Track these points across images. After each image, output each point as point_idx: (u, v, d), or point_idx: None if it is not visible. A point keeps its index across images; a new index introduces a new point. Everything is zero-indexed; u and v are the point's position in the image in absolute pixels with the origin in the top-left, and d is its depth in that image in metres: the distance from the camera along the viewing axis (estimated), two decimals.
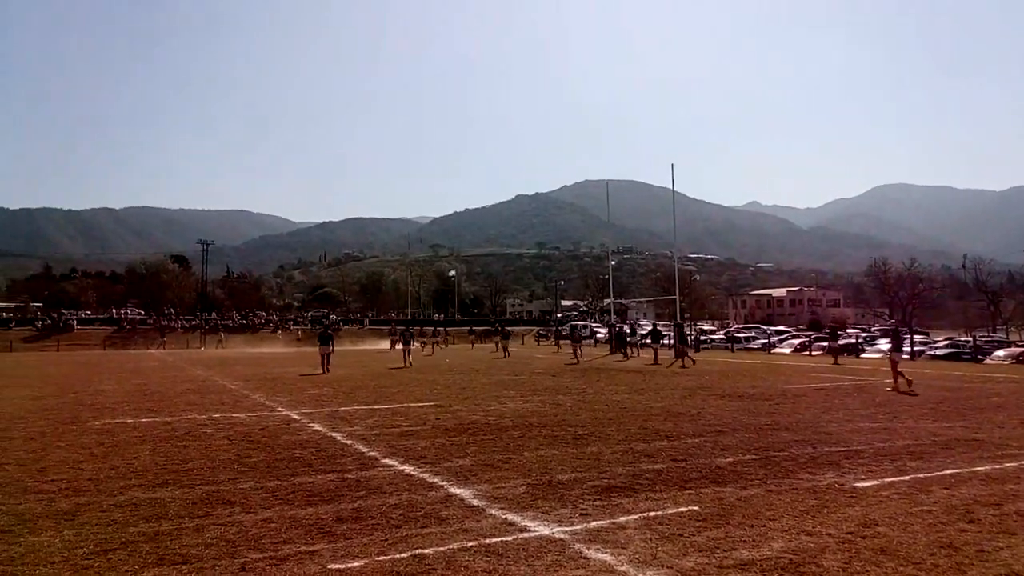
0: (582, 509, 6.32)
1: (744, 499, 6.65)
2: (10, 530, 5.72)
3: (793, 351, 43.99)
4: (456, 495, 6.88)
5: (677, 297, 39.79)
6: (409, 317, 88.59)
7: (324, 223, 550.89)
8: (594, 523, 5.88)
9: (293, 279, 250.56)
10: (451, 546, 5.25)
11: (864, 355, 38.70)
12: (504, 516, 6.10)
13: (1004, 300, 76.85)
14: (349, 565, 4.86)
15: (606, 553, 5.09)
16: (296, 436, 10.53)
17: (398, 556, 5.03)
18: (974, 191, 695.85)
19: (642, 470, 8.01)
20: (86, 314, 78.87)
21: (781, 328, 66.34)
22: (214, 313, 71.56)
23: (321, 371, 24.48)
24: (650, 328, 36.29)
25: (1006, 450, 9.26)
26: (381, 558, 4.99)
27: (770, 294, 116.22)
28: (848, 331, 61.78)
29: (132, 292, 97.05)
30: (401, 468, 8.18)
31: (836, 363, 29.24)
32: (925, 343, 42.71)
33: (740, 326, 69.56)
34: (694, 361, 29.26)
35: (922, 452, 9.08)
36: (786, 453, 9.03)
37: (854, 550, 5.13)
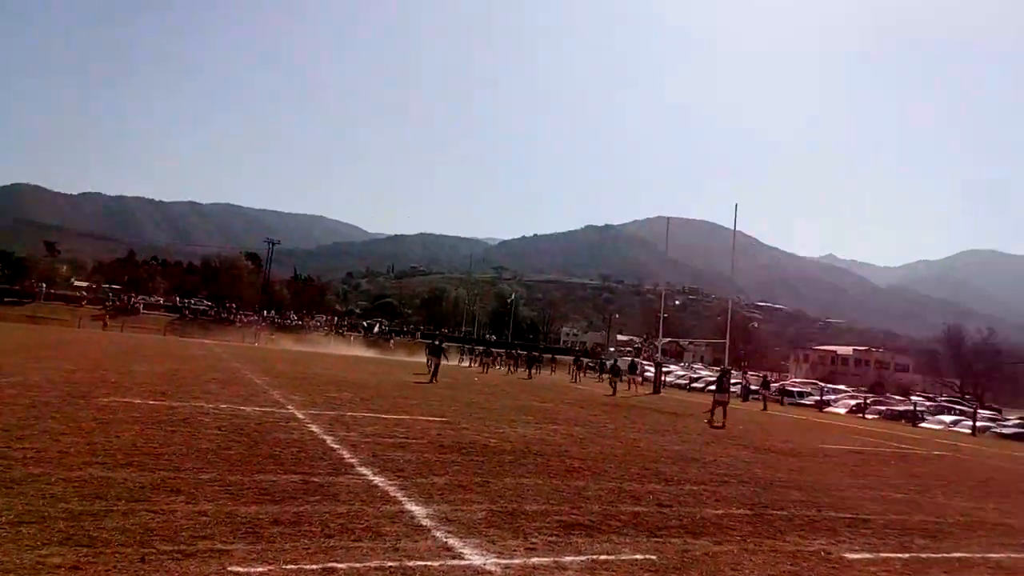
0: (531, 543, 5.90)
1: (712, 555, 6.11)
2: None
3: (848, 412, 42.05)
4: (409, 512, 6.55)
5: (727, 341, 38.54)
6: (462, 335, 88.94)
7: (396, 235, 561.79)
8: (535, 559, 5.46)
9: (360, 287, 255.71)
10: (369, 564, 4.93)
11: (922, 424, 36.65)
12: (445, 540, 5.74)
13: None
14: (251, 570, 4.58)
15: None
16: (288, 435, 10.40)
17: (307, 567, 4.73)
18: None
19: (619, 511, 7.51)
20: (159, 300, 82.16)
21: (840, 387, 63.69)
22: (273, 311, 73.45)
23: (428, 380, 25.92)
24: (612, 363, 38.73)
25: None
26: (289, 567, 4.71)
27: (835, 351, 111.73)
28: (912, 397, 58.83)
29: (205, 284, 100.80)
30: (371, 478, 7.90)
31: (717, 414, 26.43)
32: (993, 420, 40.20)
33: (797, 380, 67.07)
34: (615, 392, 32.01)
35: (938, 530, 8.28)
36: (785, 512, 8.37)
37: None
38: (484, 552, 5.50)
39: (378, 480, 7.84)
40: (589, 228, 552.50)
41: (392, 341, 71.40)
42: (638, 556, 5.81)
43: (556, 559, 5.52)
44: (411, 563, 5.04)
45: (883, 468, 14.15)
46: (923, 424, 36.88)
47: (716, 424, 19.63)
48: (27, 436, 8.24)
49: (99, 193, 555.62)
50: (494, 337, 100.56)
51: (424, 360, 33.56)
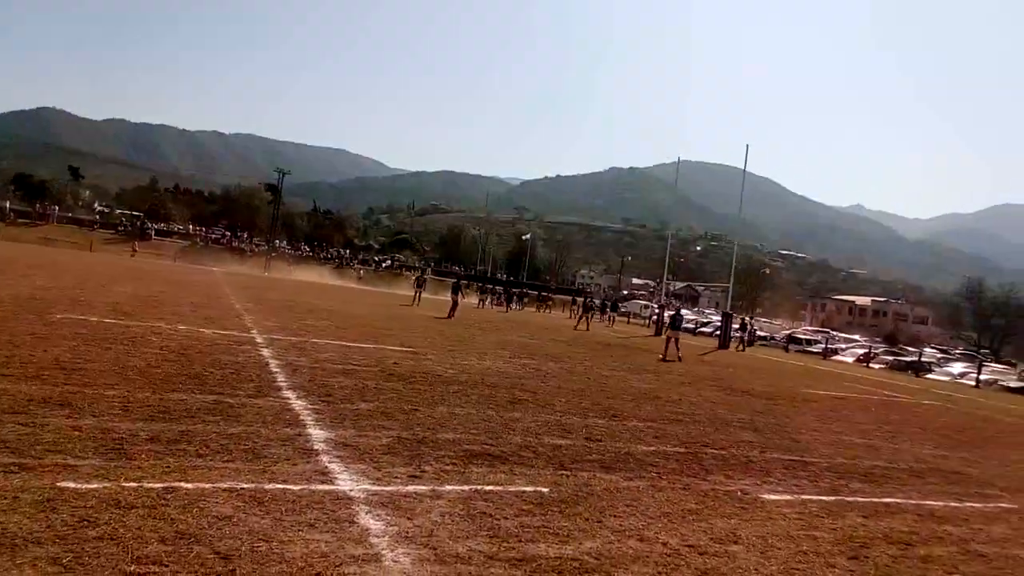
0: (420, 471, 5.61)
1: (612, 490, 5.78)
2: None
3: (855, 360, 41.49)
4: (308, 435, 6.28)
5: (730, 286, 37.91)
6: (474, 273, 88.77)
7: (418, 172, 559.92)
8: (412, 487, 5.17)
9: (380, 223, 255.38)
10: (220, 484, 4.64)
11: (929, 375, 36.04)
12: (326, 465, 5.45)
13: None
14: (84, 486, 4.30)
15: (382, 521, 4.38)
16: (232, 357, 10.16)
17: (148, 485, 4.45)
18: None
19: (540, 443, 7.20)
20: (178, 227, 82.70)
21: (854, 337, 62.94)
22: (284, 242, 73.55)
23: (446, 316, 27.09)
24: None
25: (985, 489, 7.98)
26: (129, 484, 4.43)
27: (853, 301, 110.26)
28: (926, 350, 57.98)
29: (224, 213, 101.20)
30: (291, 402, 7.64)
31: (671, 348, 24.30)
32: (1003, 374, 39.47)
33: (809, 328, 66.34)
34: (588, 328, 33.33)
35: (883, 475, 7.91)
36: (725, 452, 8.03)
37: (669, 567, 4.24)
38: (360, 478, 5.22)
39: (297, 404, 7.58)
40: (614, 170, 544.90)
41: (415, 278, 71.43)
42: (529, 488, 5.50)
43: (436, 488, 5.22)
44: (269, 486, 4.76)
45: (859, 414, 13.74)
46: (929, 375, 36.31)
47: (670, 358, 20.73)
48: None
49: (123, 120, 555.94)
50: (511, 277, 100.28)
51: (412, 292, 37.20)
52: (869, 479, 7.62)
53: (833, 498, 6.50)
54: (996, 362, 56.82)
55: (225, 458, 5.29)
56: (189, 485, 4.56)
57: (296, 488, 4.79)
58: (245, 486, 4.68)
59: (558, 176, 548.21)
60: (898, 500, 6.78)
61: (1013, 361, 60.67)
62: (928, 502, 6.88)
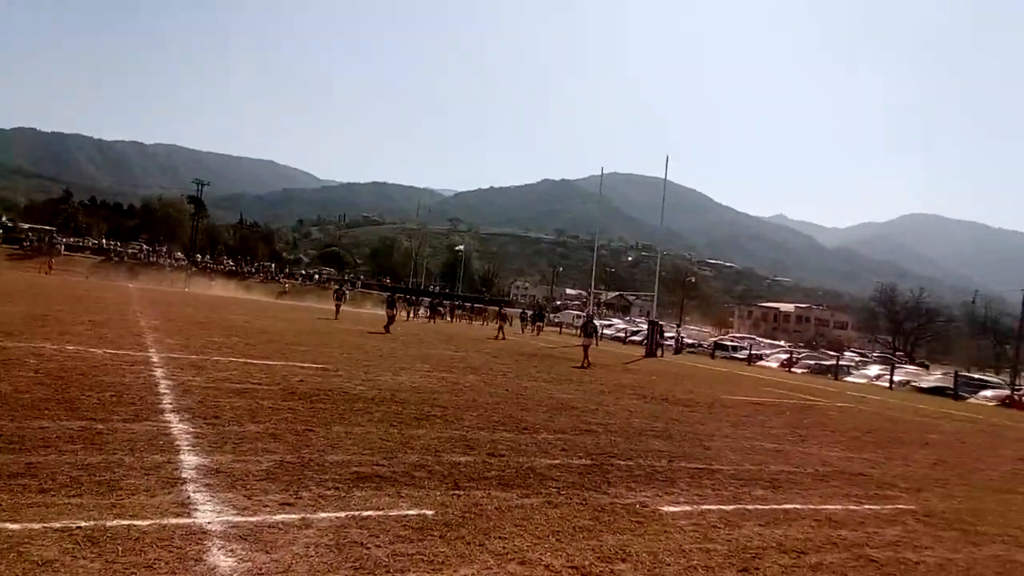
0: (296, 498, 5.21)
1: (504, 509, 5.50)
2: None
3: (779, 366, 42.55)
4: (179, 462, 5.79)
5: (655, 294, 38.48)
6: (408, 286, 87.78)
7: (349, 183, 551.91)
8: (280, 516, 4.76)
9: (310, 235, 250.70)
10: (55, 524, 4.15)
11: (847, 378, 37.23)
12: (190, 495, 4.99)
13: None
14: None
15: (235, 557, 3.98)
16: (118, 378, 9.47)
17: None
18: (1009, 231, 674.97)
19: (438, 461, 6.87)
20: (93, 242, 78.79)
21: (779, 342, 64.78)
22: (206, 256, 71.05)
23: (382, 331, 26.77)
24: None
25: (885, 490, 8.04)
26: None
27: (778, 307, 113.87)
28: (846, 354, 60.06)
29: (144, 227, 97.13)
30: (171, 426, 7.09)
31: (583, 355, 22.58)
32: (917, 375, 41.12)
33: (736, 335, 67.98)
34: (504, 337, 33.57)
35: (786, 481, 7.88)
36: (631, 463, 7.86)
37: None
38: (224, 509, 4.78)
39: (178, 428, 7.05)
40: (547, 182, 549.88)
41: (335, 291, 70.18)
42: (412, 512, 5.17)
43: (307, 516, 4.83)
44: (112, 523, 4.28)
45: (772, 419, 13.89)
46: (848, 378, 37.51)
47: (583, 364, 21.26)
48: None
49: (33, 129, 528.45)
50: (446, 289, 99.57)
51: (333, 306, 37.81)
52: (773, 485, 7.57)
53: (733, 507, 6.39)
54: (910, 363, 59.33)
55: (71, 492, 4.77)
56: (15, 526, 4.05)
57: (144, 524, 4.33)
58: (83, 524, 4.20)
59: (491, 187, 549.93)
60: (797, 506, 6.72)
61: (926, 363, 63.50)
62: (827, 506, 6.85)
